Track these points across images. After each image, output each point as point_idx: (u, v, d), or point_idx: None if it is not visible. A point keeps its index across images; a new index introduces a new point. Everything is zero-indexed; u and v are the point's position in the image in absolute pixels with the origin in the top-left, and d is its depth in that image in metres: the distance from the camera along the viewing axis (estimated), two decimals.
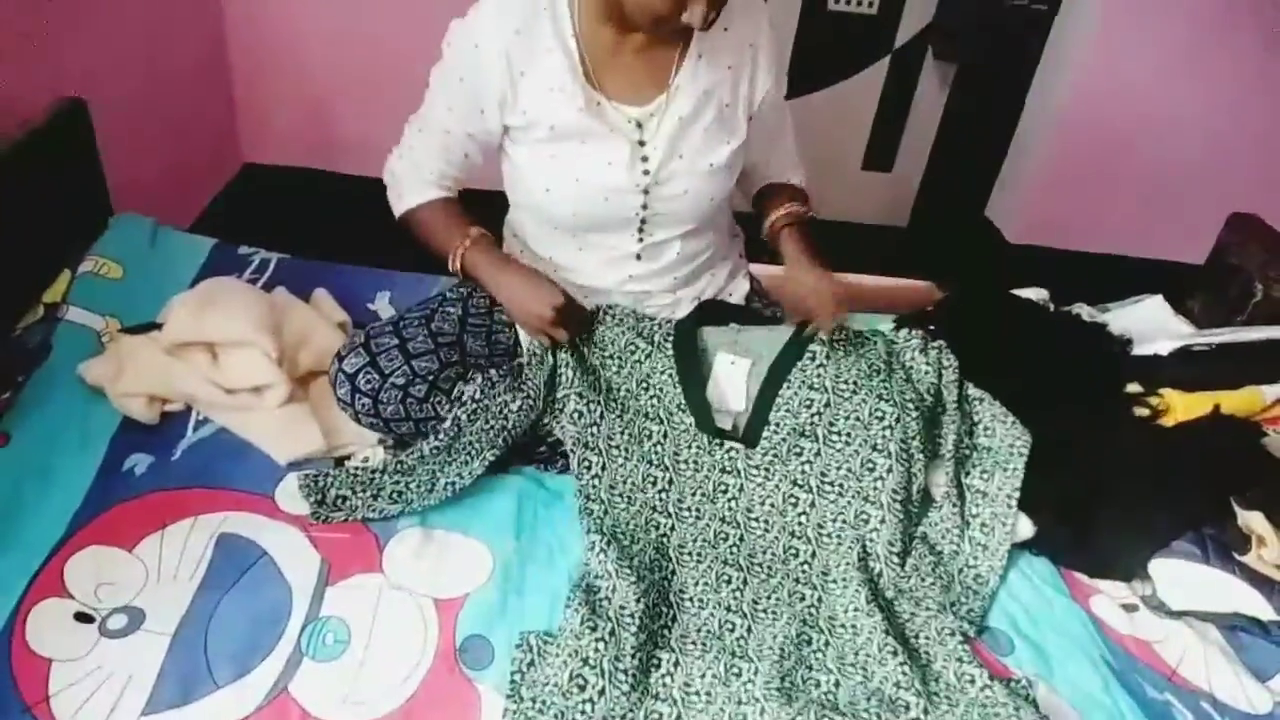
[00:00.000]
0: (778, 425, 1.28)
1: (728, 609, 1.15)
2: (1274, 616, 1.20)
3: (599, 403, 1.30)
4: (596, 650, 1.04)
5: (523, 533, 1.23)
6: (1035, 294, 1.73)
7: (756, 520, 1.26)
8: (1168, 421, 1.42)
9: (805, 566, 1.22)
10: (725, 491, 1.27)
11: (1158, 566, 1.25)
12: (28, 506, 1.16)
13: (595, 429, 1.29)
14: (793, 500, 1.26)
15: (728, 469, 1.28)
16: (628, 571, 1.13)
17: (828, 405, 1.28)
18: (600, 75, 1.24)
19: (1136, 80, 2.53)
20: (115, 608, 1.07)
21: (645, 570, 1.16)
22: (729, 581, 1.19)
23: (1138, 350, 1.56)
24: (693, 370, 1.31)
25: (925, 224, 2.93)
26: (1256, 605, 1.21)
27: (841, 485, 1.25)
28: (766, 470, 1.28)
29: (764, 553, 1.23)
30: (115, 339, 1.41)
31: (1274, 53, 2.47)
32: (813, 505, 1.25)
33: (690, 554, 1.22)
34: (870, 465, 1.25)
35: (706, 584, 1.18)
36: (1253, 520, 1.26)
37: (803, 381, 1.29)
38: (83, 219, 1.60)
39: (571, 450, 1.28)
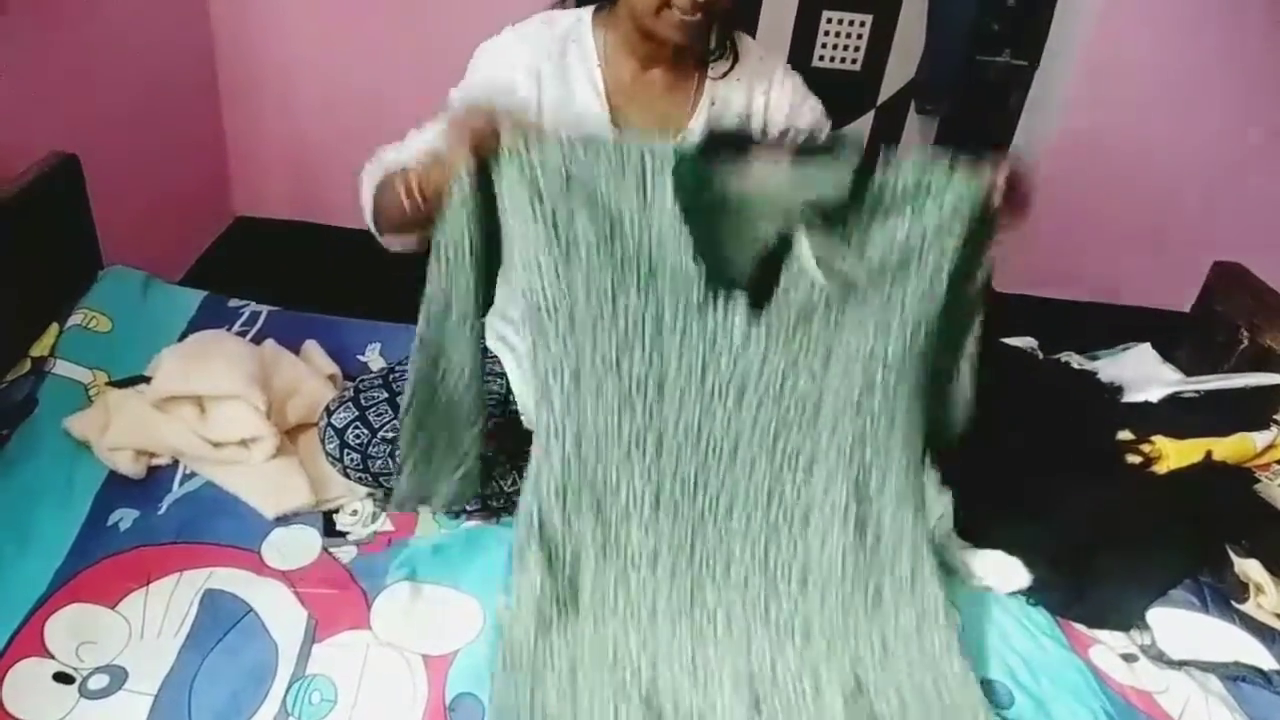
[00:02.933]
0: (793, 288, 1.08)
1: (700, 515, 1.09)
2: (1275, 666, 1.19)
3: (560, 249, 1.05)
4: (559, 605, 1.03)
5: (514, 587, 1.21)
6: (1024, 342, 1.74)
7: (748, 401, 1.10)
8: (1160, 469, 1.42)
9: (793, 457, 1.12)
10: (718, 367, 1.09)
11: (1156, 616, 1.24)
12: (9, 562, 1.14)
13: (555, 285, 1.05)
14: (793, 382, 1.10)
15: (720, 337, 1.09)
16: (586, 507, 1.06)
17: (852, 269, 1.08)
18: (621, 110, 1.24)
19: (1118, 131, 2.58)
20: (96, 667, 1.04)
21: (613, 484, 1.08)
22: (706, 482, 1.10)
23: (1128, 397, 1.56)
24: (698, 206, 1.06)
25: None
26: (1257, 654, 1.19)
27: (847, 363, 1.10)
28: (769, 341, 1.09)
29: (750, 434, 1.11)
30: (103, 392, 1.40)
31: (1256, 101, 2.53)
32: (813, 384, 1.10)
33: (671, 446, 1.09)
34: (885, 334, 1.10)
35: (684, 485, 1.09)
36: (1250, 568, 1.26)
37: (832, 238, 1.06)
38: (73, 272, 1.59)
39: (526, 320, 1.09)
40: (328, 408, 1.26)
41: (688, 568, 1.09)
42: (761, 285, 1.09)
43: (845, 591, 1.10)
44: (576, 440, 1.08)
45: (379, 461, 1.23)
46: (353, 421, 1.23)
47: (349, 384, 1.33)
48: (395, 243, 1.19)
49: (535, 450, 1.10)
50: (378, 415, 1.24)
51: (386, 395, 1.27)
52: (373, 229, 1.21)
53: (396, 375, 1.31)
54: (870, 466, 1.13)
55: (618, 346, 1.07)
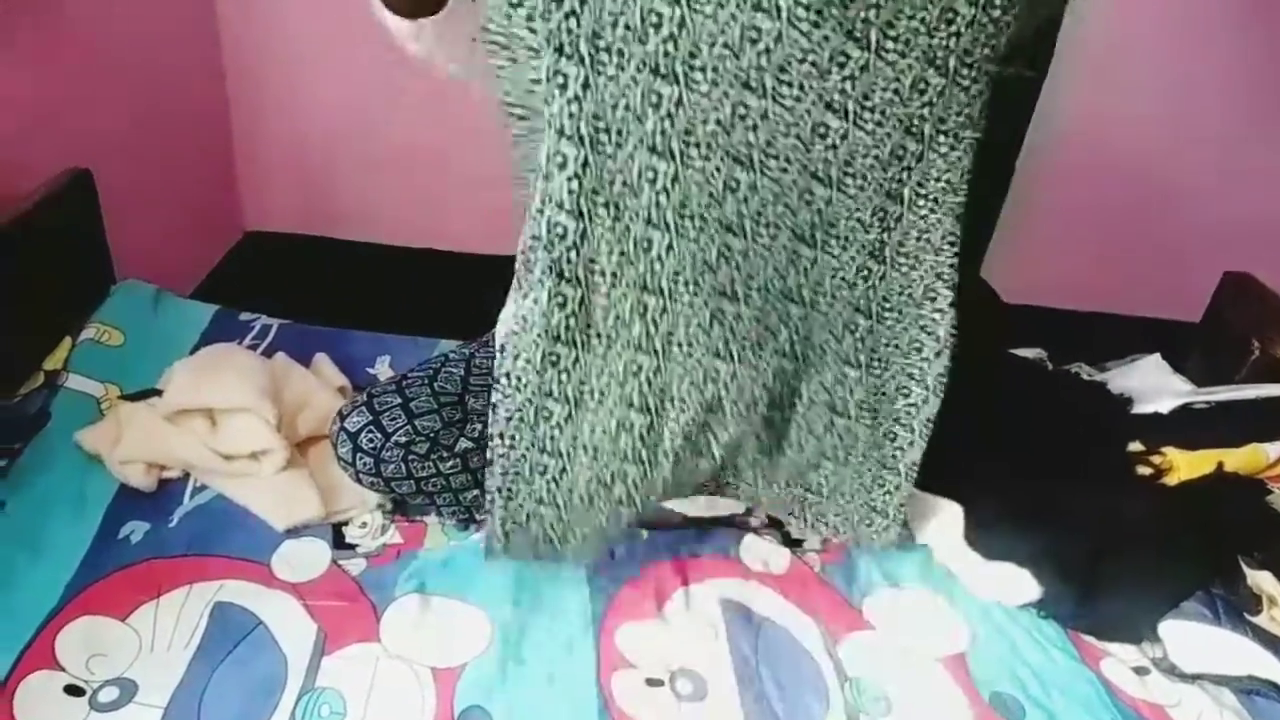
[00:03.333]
0: None
1: (727, 227, 0.98)
2: None
3: None
4: (568, 325, 1.00)
5: (522, 599, 1.21)
6: (1032, 353, 1.74)
7: (789, 83, 0.93)
8: (1171, 480, 1.41)
9: (830, 153, 0.96)
10: (756, 41, 0.91)
11: (1168, 628, 1.23)
12: (21, 576, 1.15)
13: None
14: (840, 60, 0.92)
15: (764, 6, 0.89)
16: (603, 212, 0.94)
17: None
18: None
19: (1125, 140, 2.57)
20: (107, 680, 1.04)
21: (634, 182, 0.94)
22: (735, 188, 0.96)
23: (1137, 409, 1.56)
24: None
25: None
26: (1270, 667, 1.18)
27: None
28: (823, 6, 0.89)
29: (787, 123, 0.94)
30: (114, 406, 1.41)
31: (1264, 109, 2.53)
32: (865, 68, 0.92)
33: (700, 139, 0.94)
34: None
35: (711, 191, 0.96)
36: (1262, 580, 1.25)
37: None
38: (85, 286, 1.61)
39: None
40: (341, 412, 1.27)
41: (713, 289, 1.02)
42: None
43: (856, 309, 1.07)
44: (593, 126, 0.93)
45: (391, 466, 1.23)
46: (366, 426, 1.24)
47: (361, 390, 1.33)
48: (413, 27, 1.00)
49: (541, 159, 0.95)
50: (391, 420, 1.24)
51: (400, 400, 1.27)
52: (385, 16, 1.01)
53: (409, 381, 1.31)
54: (906, 171, 1.01)
55: (641, 10, 0.89)
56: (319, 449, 1.38)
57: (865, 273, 1.07)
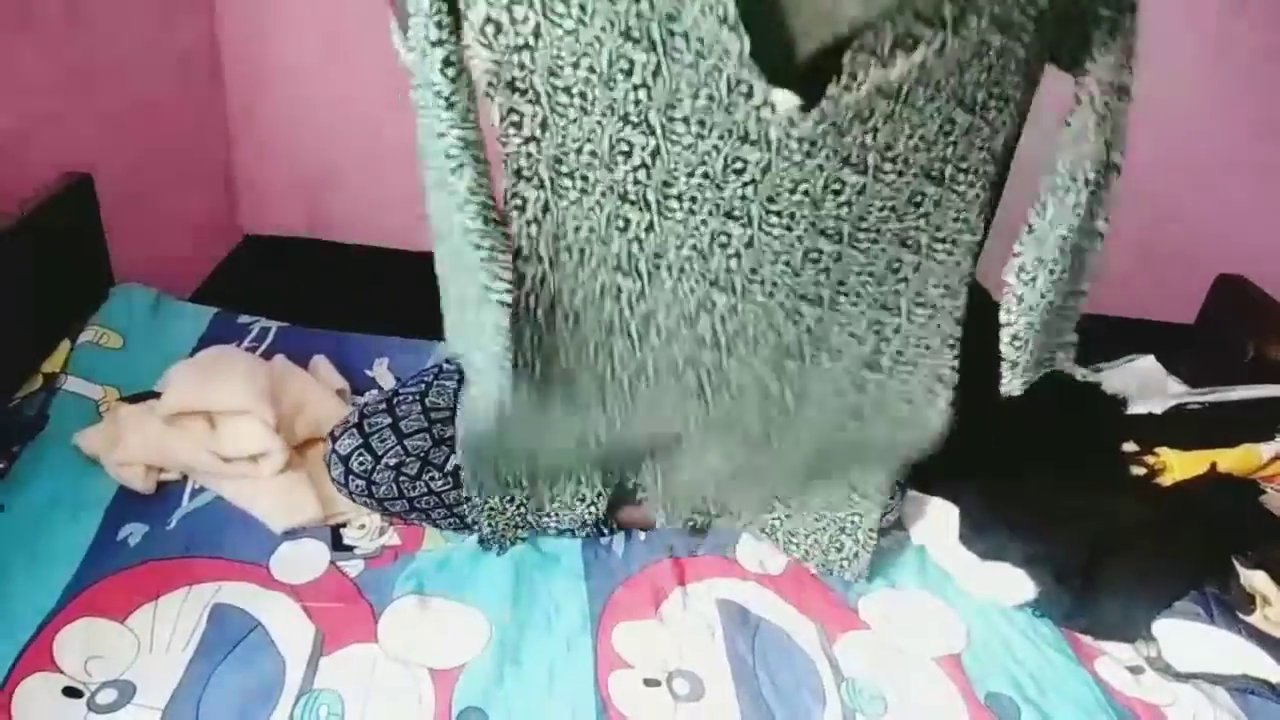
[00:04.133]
0: (857, 78, 0.81)
1: (700, 341, 1.03)
2: None
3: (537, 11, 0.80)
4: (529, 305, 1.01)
5: (520, 600, 1.22)
6: None
7: (778, 214, 0.91)
8: (1165, 480, 1.42)
9: (823, 276, 0.97)
10: (741, 172, 0.88)
11: (1162, 628, 1.23)
12: (19, 577, 1.15)
13: (520, 46, 0.81)
14: (836, 187, 0.90)
15: (752, 130, 0.84)
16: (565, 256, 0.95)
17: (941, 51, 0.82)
18: None
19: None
20: (105, 681, 1.04)
21: (595, 297, 0.98)
22: (710, 309, 0.98)
23: (1132, 409, 1.56)
24: None
25: None
26: (1264, 666, 1.19)
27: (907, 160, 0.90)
28: (816, 139, 0.85)
29: (775, 260, 0.94)
30: (113, 408, 1.41)
31: (1261, 113, 2.53)
32: (862, 192, 0.91)
33: (674, 263, 0.95)
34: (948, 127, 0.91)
35: (684, 308, 0.99)
36: (1256, 580, 1.25)
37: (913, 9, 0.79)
38: (84, 289, 1.61)
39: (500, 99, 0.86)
40: (332, 434, 1.27)
41: (684, 390, 1.07)
42: (817, 74, 0.81)
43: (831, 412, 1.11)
44: (553, 248, 0.94)
45: (383, 488, 1.23)
46: (357, 449, 1.23)
47: (353, 408, 1.33)
48: None
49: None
50: (381, 441, 1.24)
51: (390, 420, 1.26)
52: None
53: (400, 398, 1.31)
54: (904, 282, 1.03)
55: (610, 138, 0.85)
56: (317, 451, 1.39)
57: (860, 381, 1.10)
